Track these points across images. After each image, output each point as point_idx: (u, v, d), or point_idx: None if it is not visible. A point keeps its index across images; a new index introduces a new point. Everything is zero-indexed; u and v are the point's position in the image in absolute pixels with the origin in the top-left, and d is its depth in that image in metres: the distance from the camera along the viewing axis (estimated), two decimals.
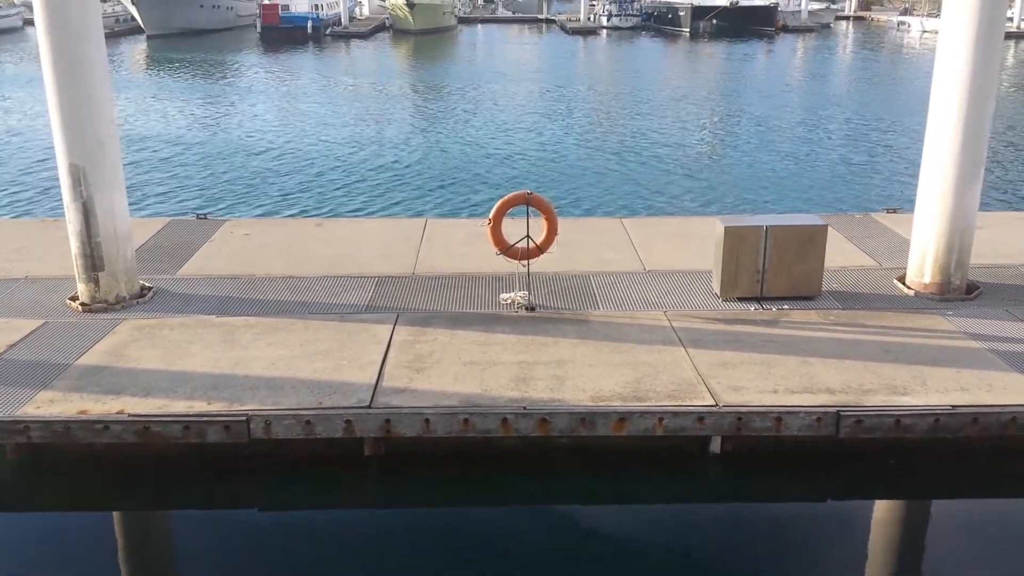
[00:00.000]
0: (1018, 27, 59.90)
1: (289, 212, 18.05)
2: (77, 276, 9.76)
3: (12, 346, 8.79)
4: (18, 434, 7.46)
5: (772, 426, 7.59)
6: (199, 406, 7.62)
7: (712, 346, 8.77)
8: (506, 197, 9.75)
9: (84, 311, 9.67)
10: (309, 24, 62.03)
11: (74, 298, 9.87)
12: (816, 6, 73.33)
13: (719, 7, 63.62)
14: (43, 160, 22.06)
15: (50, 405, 7.62)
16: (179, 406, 7.62)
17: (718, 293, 10.02)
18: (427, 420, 7.54)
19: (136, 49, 57.07)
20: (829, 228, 10.11)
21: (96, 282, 9.67)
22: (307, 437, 7.55)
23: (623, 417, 7.57)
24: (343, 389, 7.88)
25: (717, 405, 7.65)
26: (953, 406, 7.64)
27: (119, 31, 63.30)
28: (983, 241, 10.90)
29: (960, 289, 10.01)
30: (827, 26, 71.64)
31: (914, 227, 10.21)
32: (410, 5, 63.61)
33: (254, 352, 8.64)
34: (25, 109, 32.06)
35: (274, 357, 8.53)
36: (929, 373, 8.18)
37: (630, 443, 7.73)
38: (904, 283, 10.33)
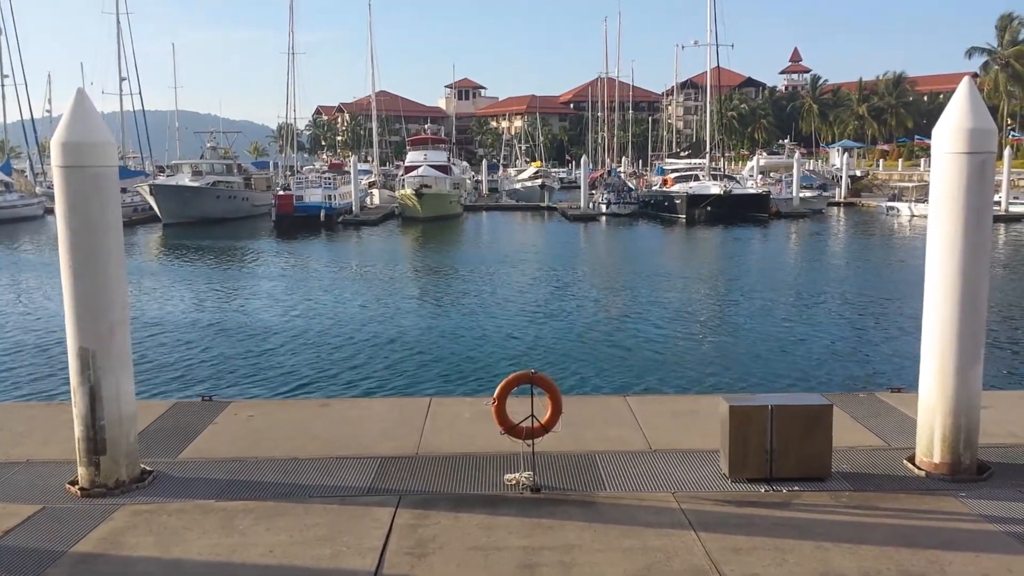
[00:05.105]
0: (1006, 210, 62.08)
1: (295, 392, 18.09)
2: (78, 460, 9.66)
3: (8, 532, 8.59)
4: None
5: None
6: None
7: (723, 530, 8.54)
8: (510, 376, 9.81)
9: (83, 496, 9.51)
10: (322, 212, 64.29)
11: (74, 482, 9.73)
12: (808, 194, 76.16)
13: (713, 195, 65.99)
14: (55, 343, 22.35)
15: None
16: None
17: (726, 473, 9.87)
18: None
19: (152, 237, 59.12)
20: (834, 407, 10.09)
21: (97, 466, 9.56)
22: None
23: None
24: None
25: None
26: None
27: (136, 220, 65.76)
28: (991, 420, 10.83)
29: (971, 469, 9.85)
30: (819, 211, 74.14)
31: (919, 407, 10.16)
32: (419, 195, 66.30)
33: (252, 538, 8.43)
34: (37, 293, 32.85)
35: (272, 543, 8.31)
36: (947, 558, 7.92)
37: None
38: (914, 463, 10.17)
